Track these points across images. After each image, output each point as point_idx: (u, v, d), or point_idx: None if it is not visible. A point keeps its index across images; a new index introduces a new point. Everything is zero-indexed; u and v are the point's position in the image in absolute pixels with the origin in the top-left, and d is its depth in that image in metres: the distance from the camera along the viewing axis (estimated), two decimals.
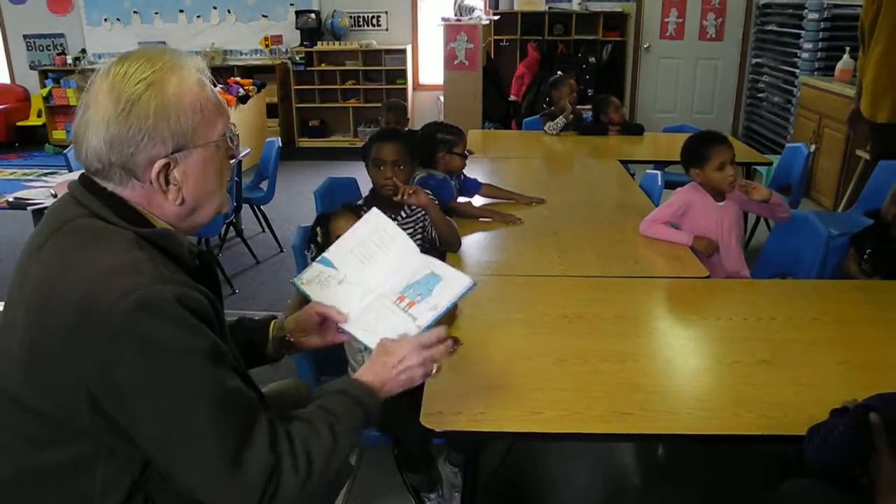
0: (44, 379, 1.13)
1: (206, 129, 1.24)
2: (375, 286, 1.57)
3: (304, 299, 1.61)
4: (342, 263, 1.61)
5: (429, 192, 2.72)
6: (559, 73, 5.75)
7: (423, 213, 2.67)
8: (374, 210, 1.69)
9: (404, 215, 2.67)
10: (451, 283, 1.51)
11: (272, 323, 1.63)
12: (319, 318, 1.57)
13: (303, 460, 1.20)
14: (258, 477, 1.14)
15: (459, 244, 2.66)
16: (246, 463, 1.13)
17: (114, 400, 1.10)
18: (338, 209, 2.26)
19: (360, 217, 2.16)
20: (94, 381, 1.09)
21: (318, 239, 2.17)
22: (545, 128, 4.96)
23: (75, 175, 4.33)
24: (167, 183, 1.22)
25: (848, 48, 5.67)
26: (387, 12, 8.16)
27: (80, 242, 1.16)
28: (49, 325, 1.11)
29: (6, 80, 8.76)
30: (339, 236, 2.12)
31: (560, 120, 4.89)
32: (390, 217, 2.56)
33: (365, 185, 3.76)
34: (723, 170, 2.75)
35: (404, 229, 2.61)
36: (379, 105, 8.01)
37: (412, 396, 1.61)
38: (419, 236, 2.67)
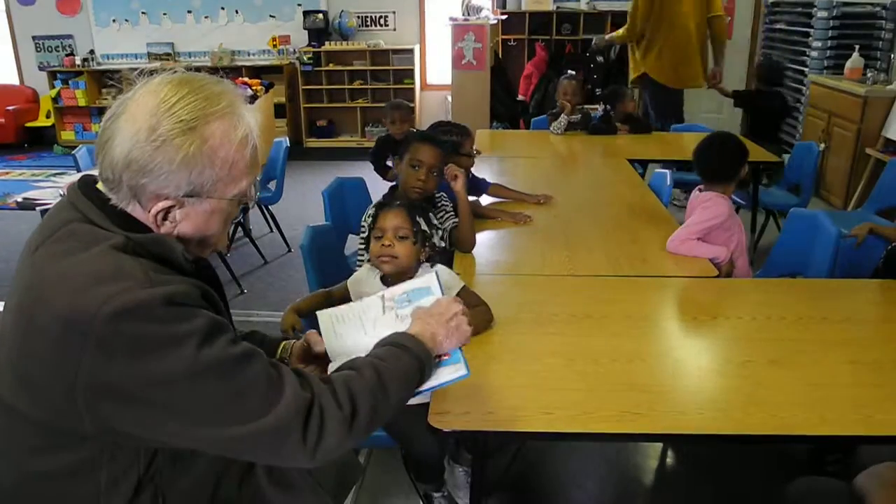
0: (36, 388, 1.11)
1: (227, 185, 1.22)
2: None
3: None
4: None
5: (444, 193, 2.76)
6: (570, 72, 5.76)
7: (444, 220, 2.68)
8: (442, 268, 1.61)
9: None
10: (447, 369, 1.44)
11: (282, 344, 1.62)
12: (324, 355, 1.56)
13: (344, 395, 1.19)
14: (295, 417, 1.14)
15: (473, 244, 2.66)
16: (278, 410, 1.13)
17: (117, 404, 1.09)
18: (396, 203, 2.19)
19: (413, 217, 2.15)
20: (89, 389, 1.07)
21: (368, 220, 2.19)
22: (550, 128, 4.96)
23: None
24: (164, 219, 1.20)
25: (857, 46, 5.65)
26: (394, 12, 8.16)
27: (70, 248, 1.14)
28: (37, 335, 1.09)
29: (15, 81, 8.79)
30: (383, 228, 2.10)
31: (563, 119, 4.88)
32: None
33: (373, 186, 3.77)
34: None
35: None
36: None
37: (426, 408, 1.61)
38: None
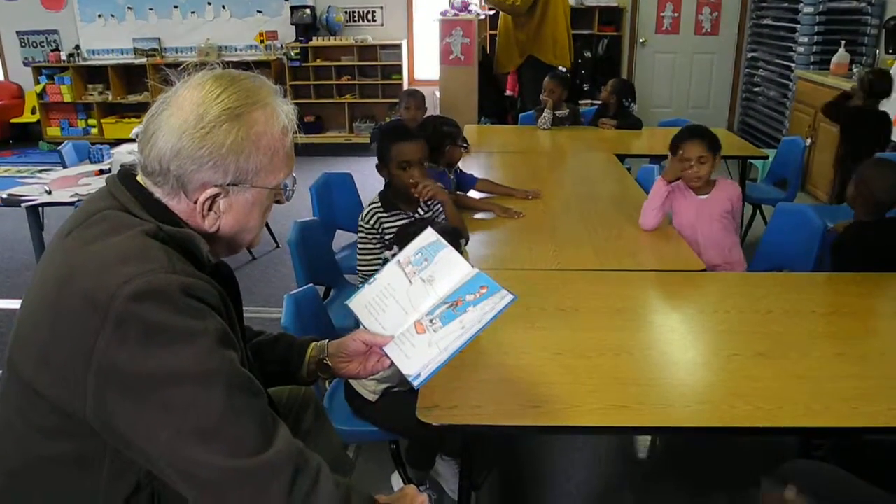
0: (55, 366, 1.11)
1: (268, 175, 1.26)
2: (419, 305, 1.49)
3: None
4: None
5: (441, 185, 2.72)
6: (561, 68, 5.82)
7: (437, 214, 2.66)
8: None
9: (422, 213, 2.66)
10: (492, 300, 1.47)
11: (311, 345, 1.60)
12: (365, 347, 1.52)
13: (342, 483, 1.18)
14: (286, 464, 1.11)
15: (466, 241, 2.65)
16: (268, 454, 1.10)
17: (119, 394, 1.07)
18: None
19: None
20: (100, 370, 1.07)
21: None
22: (537, 123, 4.99)
23: (70, 171, 4.30)
24: (209, 209, 1.24)
25: (843, 42, 5.68)
26: (382, 7, 8.14)
27: (102, 231, 1.17)
28: (62, 312, 1.10)
29: (0, 76, 8.73)
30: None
31: (547, 114, 4.90)
32: (408, 215, 2.57)
33: (360, 181, 3.76)
34: (683, 163, 2.86)
35: None
36: (374, 101, 8.07)
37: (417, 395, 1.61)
38: None
